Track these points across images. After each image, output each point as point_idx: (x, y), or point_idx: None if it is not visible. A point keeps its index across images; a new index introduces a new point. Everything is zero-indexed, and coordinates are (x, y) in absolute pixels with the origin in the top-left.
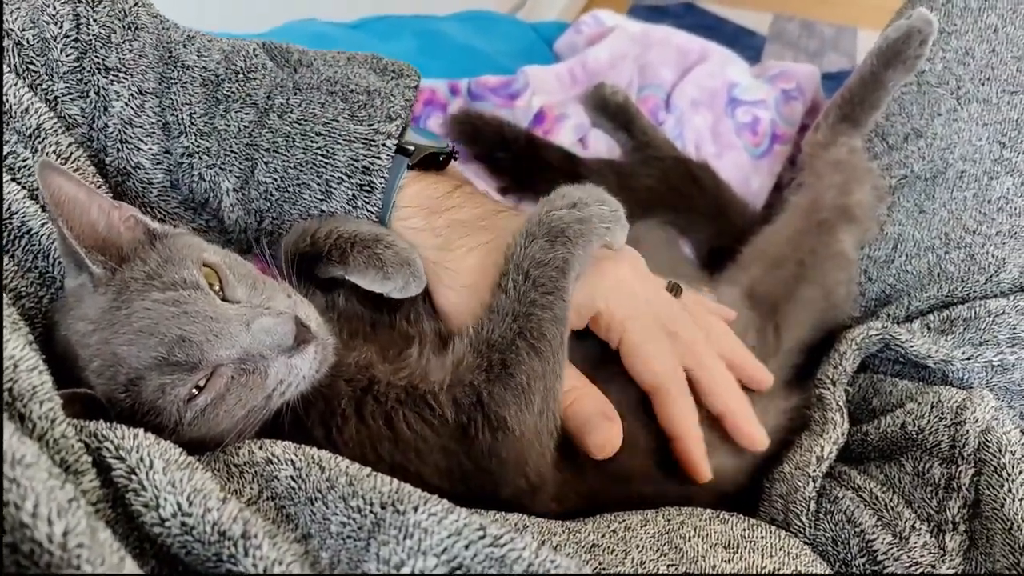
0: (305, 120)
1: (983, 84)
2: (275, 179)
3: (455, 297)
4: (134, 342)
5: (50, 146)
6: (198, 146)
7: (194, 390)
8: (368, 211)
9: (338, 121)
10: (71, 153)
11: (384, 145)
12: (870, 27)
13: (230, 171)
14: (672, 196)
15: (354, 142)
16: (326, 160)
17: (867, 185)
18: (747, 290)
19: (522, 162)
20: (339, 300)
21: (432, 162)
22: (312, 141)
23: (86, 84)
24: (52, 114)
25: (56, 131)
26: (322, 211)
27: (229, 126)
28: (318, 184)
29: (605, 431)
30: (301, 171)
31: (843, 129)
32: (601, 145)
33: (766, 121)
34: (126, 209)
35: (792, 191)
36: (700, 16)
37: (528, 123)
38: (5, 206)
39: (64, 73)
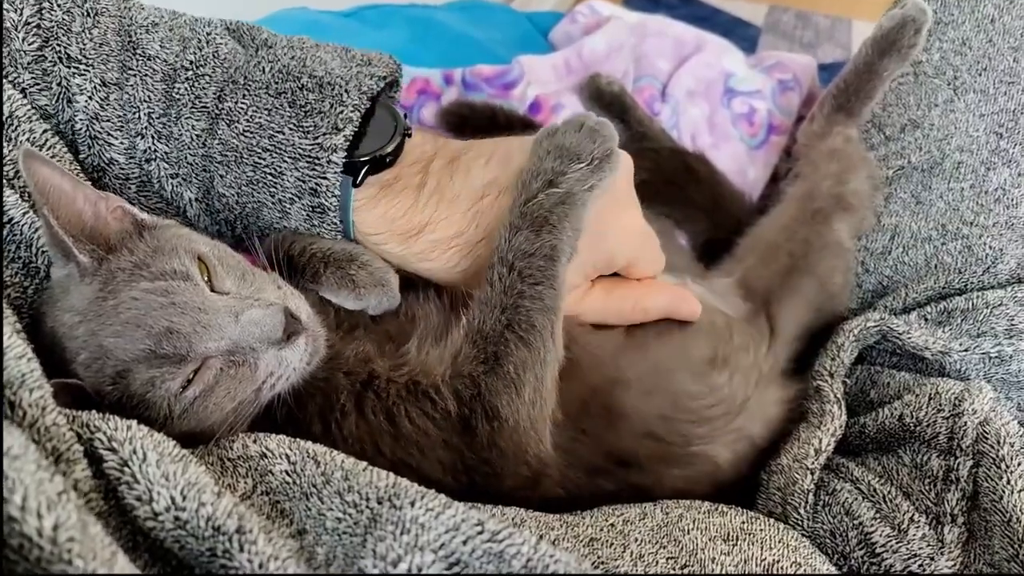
0: (252, 132)
1: (980, 74)
2: (233, 193)
3: (449, 278)
4: (121, 334)
5: (23, 134)
6: (156, 150)
7: (179, 386)
8: (326, 229)
9: (283, 133)
10: (46, 140)
11: (330, 161)
12: (865, 18)
13: (190, 182)
14: (668, 187)
15: (299, 160)
16: (275, 180)
17: (863, 174)
18: (742, 281)
19: None
20: None
21: (383, 162)
22: (260, 158)
23: (50, 75)
24: (25, 101)
25: (30, 118)
26: (284, 226)
27: (183, 134)
28: (273, 203)
29: (688, 304)
30: (254, 189)
31: (839, 119)
32: None
33: (762, 112)
34: (113, 199)
35: (788, 182)
36: (695, 7)
37: (523, 113)
38: None
39: (28, 63)
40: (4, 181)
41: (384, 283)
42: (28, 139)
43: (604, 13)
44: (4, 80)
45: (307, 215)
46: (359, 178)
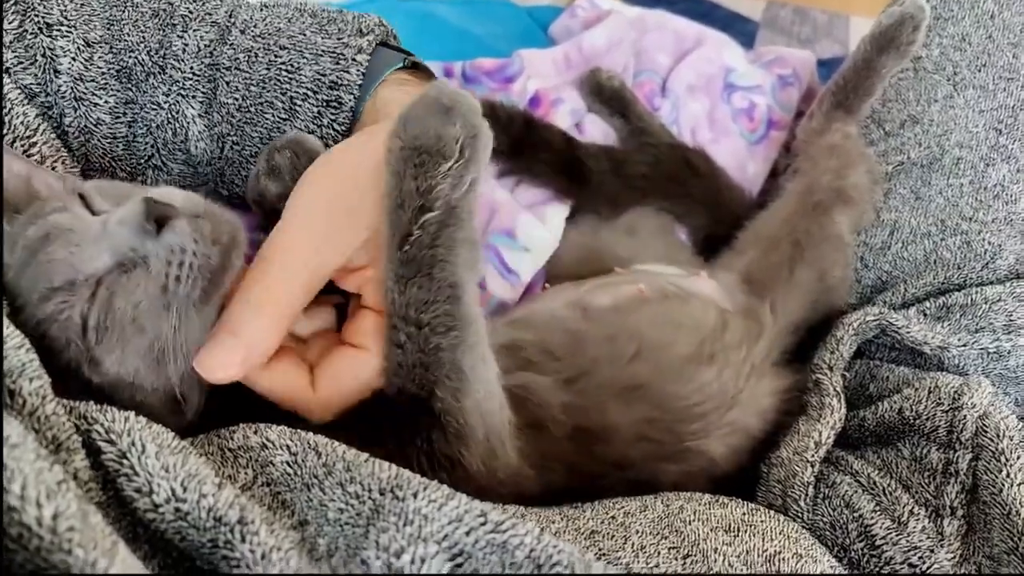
0: (269, 34)
1: (980, 71)
2: (236, 99)
3: (354, 153)
4: (23, 281)
5: (17, 117)
6: (166, 81)
7: (80, 318)
8: (335, 129)
9: (305, 35)
10: (38, 125)
11: (354, 60)
12: (862, 14)
13: (193, 96)
14: (668, 183)
15: (321, 56)
16: (291, 75)
17: (862, 168)
18: (744, 276)
19: (519, 144)
20: None
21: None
22: (276, 56)
23: (33, 49)
24: (12, 84)
25: (22, 102)
26: (285, 131)
27: (188, 45)
28: (282, 102)
29: (227, 357)
30: (264, 88)
31: (837, 116)
32: (597, 130)
33: (762, 107)
34: (69, 180)
35: (787, 178)
36: (694, 1)
37: (523, 107)
38: None
39: (10, 42)
40: None
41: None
42: (22, 122)
43: (604, 7)
44: None
45: (318, 112)
46: (405, 60)
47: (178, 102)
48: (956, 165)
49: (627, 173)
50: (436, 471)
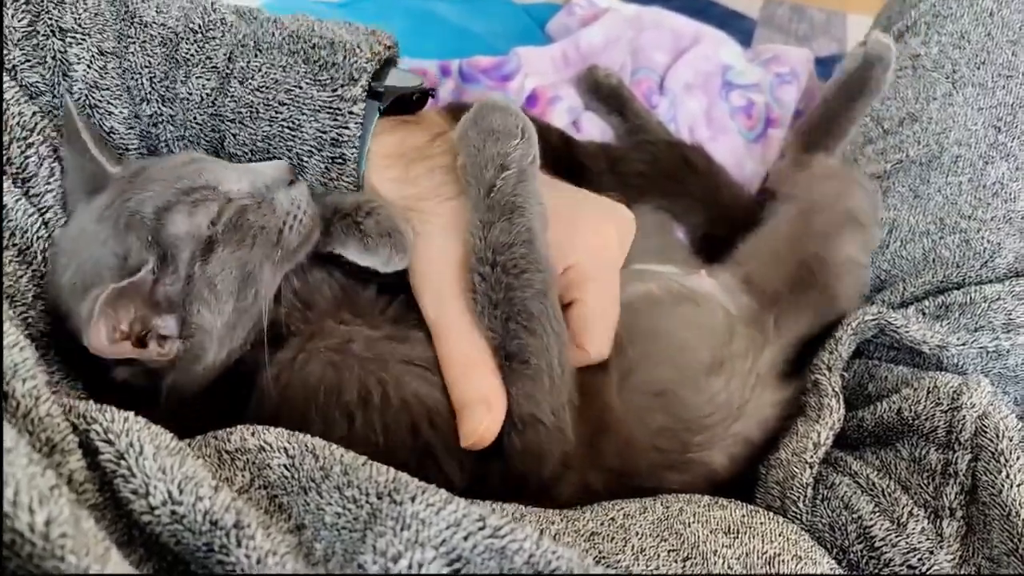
0: (267, 87)
1: (979, 68)
2: (246, 152)
3: (426, 246)
4: (158, 181)
5: (13, 117)
6: (162, 114)
7: (217, 211)
8: (344, 182)
9: (301, 87)
10: (35, 124)
11: (351, 113)
12: (860, 11)
13: (198, 144)
14: (665, 181)
15: (319, 111)
16: (293, 133)
17: (860, 193)
18: (746, 278)
19: None
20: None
21: (407, 102)
22: (277, 112)
23: (42, 49)
24: (13, 83)
25: (19, 101)
26: None
27: (191, 94)
28: (289, 158)
29: (477, 422)
30: (270, 144)
31: (813, 154)
32: (594, 128)
33: (760, 105)
34: None
35: (780, 201)
36: None
37: (520, 105)
38: None
39: (18, 40)
40: None
41: (392, 232)
42: (17, 123)
43: (601, 5)
44: None
45: (325, 168)
46: (383, 104)
47: (186, 148)
48: (955, 163)
49: (624, 171)
50: (510, 438)
